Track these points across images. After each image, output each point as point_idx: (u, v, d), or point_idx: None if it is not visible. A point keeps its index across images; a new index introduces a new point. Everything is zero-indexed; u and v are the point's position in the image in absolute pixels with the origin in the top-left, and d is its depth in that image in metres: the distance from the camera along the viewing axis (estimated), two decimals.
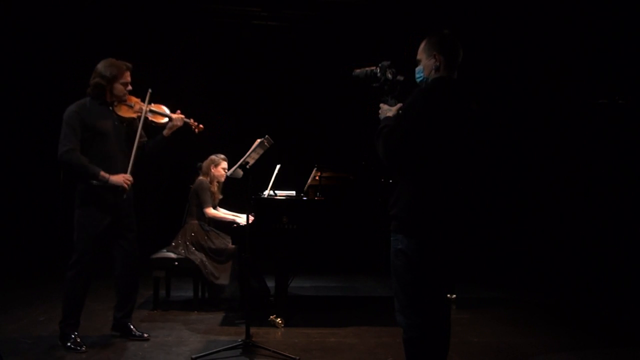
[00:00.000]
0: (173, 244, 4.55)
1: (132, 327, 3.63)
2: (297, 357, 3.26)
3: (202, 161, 4.77)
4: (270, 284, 4.46)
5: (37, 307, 4.41)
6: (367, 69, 2.55)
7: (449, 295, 4.89)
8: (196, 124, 3.74)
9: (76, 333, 3.40)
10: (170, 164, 6.28)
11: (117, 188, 3.37)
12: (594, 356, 3.53)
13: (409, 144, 2.22)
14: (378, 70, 2.50)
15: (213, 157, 4.75)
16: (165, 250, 4.51)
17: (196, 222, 4.61)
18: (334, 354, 3.43)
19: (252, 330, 3.46)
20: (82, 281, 3.41)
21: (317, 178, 4.47)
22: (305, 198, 4.47)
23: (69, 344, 3.36)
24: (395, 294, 2.38)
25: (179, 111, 3.67)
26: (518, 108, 6.82)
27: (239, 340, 3.39)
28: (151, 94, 3.55)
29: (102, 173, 3.32)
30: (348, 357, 3.40)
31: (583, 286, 5.68)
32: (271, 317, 4.01)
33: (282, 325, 3.98)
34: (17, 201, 6.47)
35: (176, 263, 4.45)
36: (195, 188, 4.65)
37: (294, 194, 4.69)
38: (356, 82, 2.58)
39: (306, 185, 4.65)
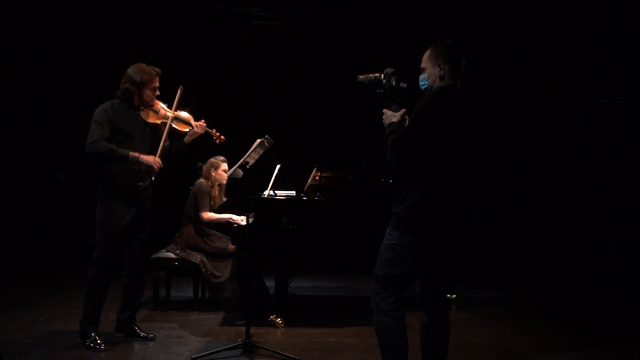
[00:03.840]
0: (172, 245, 4.56)
1: (137, 328, 3.64)
2: (297, 357, 3.26)
3: (201, 161, 4.76)
4: (270, 284, 4.46)
5: (37, 307, 4.41)
6: (371, 75, 2.60)
7: (449, 295, 4.89)
8: (218, 134, 3.77)
9: (96, 331, 3.43)
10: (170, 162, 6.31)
11: (145, 168, 3.41)
12: (594, 356, 3.53)
13: (417, 149, 2.32)
14: (382, 77, 2.55)
15: (212, 160, 4.72)
16: (165, 250, 4.51)
17: (192, 226, 4.58)
18: (334, 354, 3.43)
19: (252, 330, 3.45)
20: (102, 279, 3.43)
21: (317, 178, 4.47)
22: (305, 198, 4.46)
23: (88, 341, 3.38)
24: (374, 278, 2.58)
25: (202, 120, 3.71)
26: (518, 108, 6.83)
27: (239, 340, 3.39)
28: (179, 101, 3.61)
29: (132, 153, 3.37)
30: (348, 357, 3.40)
31: (582, 286, 5.68)
32: (271, 317, 4.01)
33: (282, 325, 3.98)
34: (17, 201, 6.47)
35: (176, 263, 4.45)
36: (195, 191, 4.62)
37: (294, 194, 4.69)
38: (359, 87, 2.61)
39: (306, 185, 4.65)
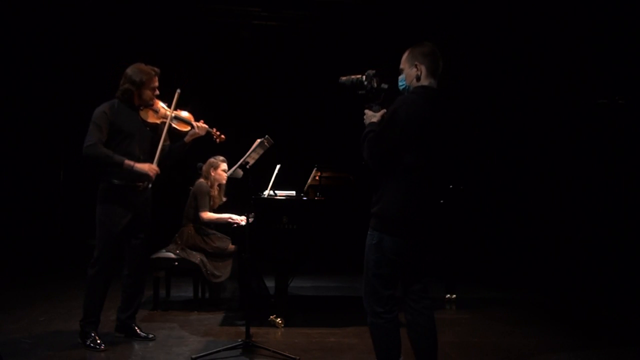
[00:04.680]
0: (172, 245, 4.56)
1: (137, 328, 3.64)
2: (297, 357, 3.26)
3: (201, 160, 4.76)
4: (270, 284, 4.46)
5: (37, 307, 4.41)
6: (353, 77, 2.67)
7: (448, 295, 4.89)
8: (218, 133, 3.78)
9: (96, 331, 3.43)
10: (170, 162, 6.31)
11: (141, 176, 3.40)
12: (594, 356, 3.53)
13: (392, 148, 2.39)
14: (364, 79, 2.62)
15: (212, 159, 4.72)
16: (165, 250, 4.51)
17: (192, 226, 4.59)
18: (334, 354, 3.43)
19: (252, 330, 3.45)
20: (102, 279, 3.43)
21: (317, 178, 4.47)
22: (305, 198, 4.46)
23: (88, 342, 3.38)
24: (364, 281, 2.57)
25: (202, 121, 3.72)
26: (518, 108, 6.82)
27: (239, 340, 3.39)
28: (178, 99, 3.60)
29: (127, 161, 3.35)
30: (348, 357, 3.40)
31: (583, 286, 5.68)
32: (271, 317, 4.01)
33: (282, 325, 3.98)
34: (17, 201, 6.47)
35: (176, 263, 4.45)
36: (195, 191, 4.63)
37: (294, 194, 4.69)
38: (342, 88, 2.67)
39: (306, 185, 4.65)
